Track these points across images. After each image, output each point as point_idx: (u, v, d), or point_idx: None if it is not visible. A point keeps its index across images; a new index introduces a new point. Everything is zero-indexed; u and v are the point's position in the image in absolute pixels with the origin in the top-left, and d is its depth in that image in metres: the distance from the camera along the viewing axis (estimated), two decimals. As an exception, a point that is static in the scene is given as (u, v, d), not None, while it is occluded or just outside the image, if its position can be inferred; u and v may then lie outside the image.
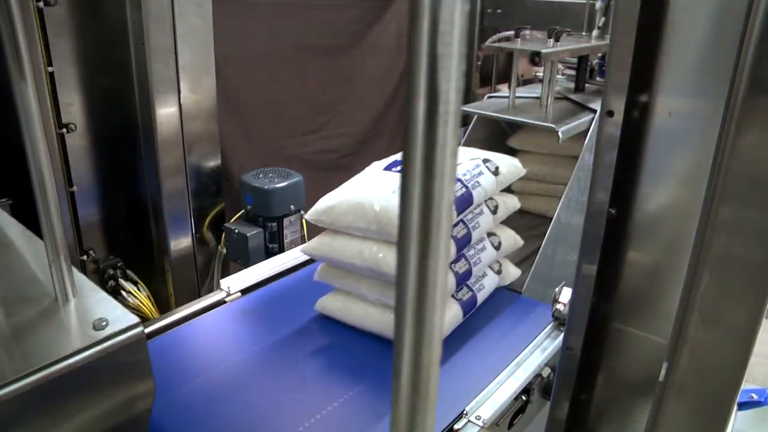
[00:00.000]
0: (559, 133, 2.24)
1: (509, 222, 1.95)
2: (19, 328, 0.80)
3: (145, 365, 0.83)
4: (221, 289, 1.78)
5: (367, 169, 1.66)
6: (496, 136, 3.07)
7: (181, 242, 2.26)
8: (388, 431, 0.39)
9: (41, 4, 1.78)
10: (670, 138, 0.89)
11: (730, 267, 0.76)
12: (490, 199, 1.68)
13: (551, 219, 2.37)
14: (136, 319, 0.82)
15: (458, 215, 1.52)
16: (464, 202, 1.51)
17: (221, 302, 1.73)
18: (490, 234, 1.70)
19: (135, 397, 0.83)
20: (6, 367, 0.71)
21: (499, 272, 1.75)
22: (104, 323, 0.80)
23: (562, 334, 1.18)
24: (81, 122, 2.00)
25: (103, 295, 0.88)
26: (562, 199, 2.37)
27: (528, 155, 2.80)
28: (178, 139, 2.15)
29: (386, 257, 1.40)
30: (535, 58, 2.22)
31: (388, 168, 1.62)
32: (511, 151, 2.88)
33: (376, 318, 1.51)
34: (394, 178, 1.54)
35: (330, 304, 1.61)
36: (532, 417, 1.52)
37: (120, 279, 2.17)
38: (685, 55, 0.84)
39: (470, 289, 1.59)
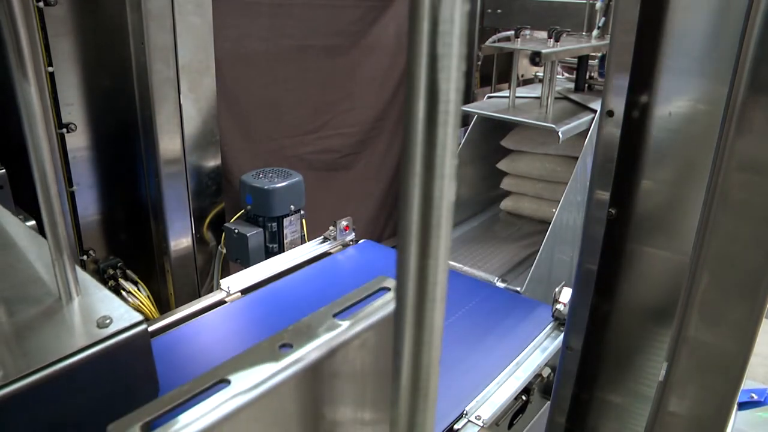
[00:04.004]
0: (560, 133, 2.24)
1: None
2: (22, 327, 0.79)
3: (148, 363, 0.83)
4: (221, 289, 1.78)
5: None
6: (496, 135, 3.07)
7: (181, 242, 2.26)
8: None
9: (41, 4, 1.78)
10: (670, 138, 0.89)
11: (730, 267, 0.76)
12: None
13: (544, 221, 2.39)
14: (139, 317, 0.82)
15: None
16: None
17: (221, 302, 1.73)
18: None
19: (139, 395, 0.83)
20: (9, 366, 0.71)
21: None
22: (108, 321, 0.79)
23: (562, 334, 1.18)
24: (81, 122, 2.00)
25: (107, 293, 0.88)
26: (561, 200, 2.37)
27: (523, 155, 2.82)
28: (178, 139, 2.15)
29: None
30: (535, 58, 2.22)
31: None
32: (505, 151, 2.91)
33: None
34: None
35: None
36: (532, 417, 1.52)
37: (120, 279, 2.17)
38: (685, 55, 0.84)
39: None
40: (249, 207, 2.29)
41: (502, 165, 2.88)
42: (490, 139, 3.04)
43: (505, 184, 2.94)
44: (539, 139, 2.68)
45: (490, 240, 2.92)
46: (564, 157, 2.63)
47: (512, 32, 2.65)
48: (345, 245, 2.13)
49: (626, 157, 0.92)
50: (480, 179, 3.12)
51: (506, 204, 3.01)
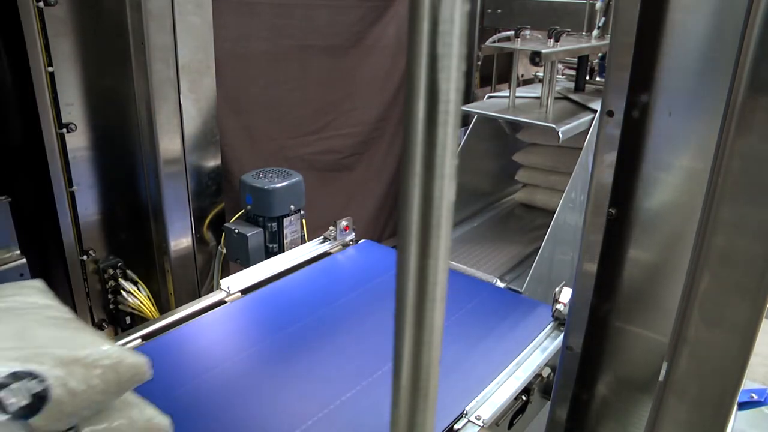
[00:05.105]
0: (560, 133, 2.24)
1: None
2: None
3: None
4: (221, 289, 1.78)
5: None
6: (496, 135, 3.08)
7: (181, 242, 2.26)
8: (389, 431, 0.39)
9: (41, 4, 1.77)
10: (670, 138, 0.89)
11: (730, 267, 0.76)
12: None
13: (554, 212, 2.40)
14: None
15: None
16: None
17: (221, 302, 1.73)
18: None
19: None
20: None
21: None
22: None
23: (562, 334, 1.18)
24: (81, 122, 2.00)
25: None
26: (561, 200, 2.37)
27: (537, 147, 2.84)
28: (178, 139, 2.15)
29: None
30: (535, 58, 2.22)
31: None
32: (505, 151, 2.94)
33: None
34: None
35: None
36: (532, 417, 1.52)
37: (120, 279, 2.16)
38: (685, 55, 0.84)
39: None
40: (249, 207, 2.29)
41: (517, 157, 2.95)
42: (491, 140, 3.04)
43: (520, 175, 3.02)
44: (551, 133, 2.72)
45: (491, 239, 2.92)
46: (578, 149, 2.63)
47: (512, 32, 2.65)
48: (345, 245, 2.13)
49: (626, 157, 0.92)
50: (483, 176, 3.13)
51: (520, 196, 3.11)
